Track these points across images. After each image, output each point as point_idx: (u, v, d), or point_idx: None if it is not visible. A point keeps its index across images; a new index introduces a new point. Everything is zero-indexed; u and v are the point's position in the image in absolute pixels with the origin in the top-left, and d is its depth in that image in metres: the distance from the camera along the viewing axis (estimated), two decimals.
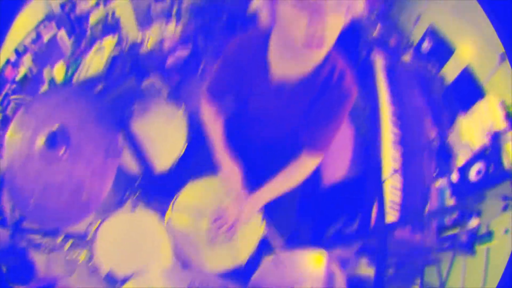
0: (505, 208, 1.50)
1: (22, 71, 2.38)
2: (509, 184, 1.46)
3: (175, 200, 1.74)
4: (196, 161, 1.94)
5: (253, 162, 1.73)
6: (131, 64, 2.48)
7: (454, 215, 1.87)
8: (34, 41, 2.42)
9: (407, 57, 2.45)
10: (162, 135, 2.02)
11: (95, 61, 2.33)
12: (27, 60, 2.40)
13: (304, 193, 1.86)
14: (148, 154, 1.92)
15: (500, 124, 1.67)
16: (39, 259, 1.89)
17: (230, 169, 1.66)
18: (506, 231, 1.57)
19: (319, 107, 1.48)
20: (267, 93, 1.50)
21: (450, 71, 2.29)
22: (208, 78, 1.69)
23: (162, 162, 1.93)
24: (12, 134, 1.67)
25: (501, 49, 1.87)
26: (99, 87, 2.38)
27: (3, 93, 2.32)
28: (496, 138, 1.59)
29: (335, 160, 2.25)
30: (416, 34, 2.52)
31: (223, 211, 1.63)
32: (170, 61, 2.78)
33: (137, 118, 2.08)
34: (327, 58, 1.34)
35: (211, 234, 1.64)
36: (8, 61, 2.35)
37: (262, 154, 1.82)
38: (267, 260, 1.58)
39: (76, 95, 1.87)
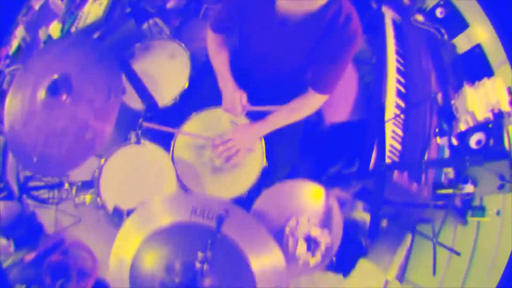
0: (500, 187, 1.52)
1: (15, 44, 2.29)
2: (507, 164, 1.47)
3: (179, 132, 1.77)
4: (198, 94, 1.95)
5: (256, 95, 1.74)
6: (130, 9, 2.39)
7: (451, 175, 1.90)
8: (24, 14, 2.32)
9: (420, 17, 2.35)
10: (164, 70, 2.00)
11: (94, 10, 2.24)
12: (19, 32, 2.31)
13: (306, 131, 1.90)
14: (151, 89, 1.91)
15: (506, 105, 1.64)
16: (47, 219, 1.96)
17: (233, 92, 1.67)
18: (498, 213, 1.60)
19: (324, 48, 1.49)
20: (271, 29, 1.50)
21: (461, 44, 2.24)
22: (212, 14, 1.69)
23: (165, 97, 1.93)
24: (11, 98, 1.66)
25: None
26: (98, 32, 2.31)
27: None
28: (500, 116, 1.58)
29: (338, 101, 2.25)
30: (430, 1, 2.43)
31: (226, 138, 1.68)
32: (170, 4, 2.68)
33: (139, 56, 2.07)
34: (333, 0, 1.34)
35: (214, 158, 1.70)
36: None
37: (265, 88, 1.82)
38: (268, 190, 1.64)
39: (75, 44, 1.83)
